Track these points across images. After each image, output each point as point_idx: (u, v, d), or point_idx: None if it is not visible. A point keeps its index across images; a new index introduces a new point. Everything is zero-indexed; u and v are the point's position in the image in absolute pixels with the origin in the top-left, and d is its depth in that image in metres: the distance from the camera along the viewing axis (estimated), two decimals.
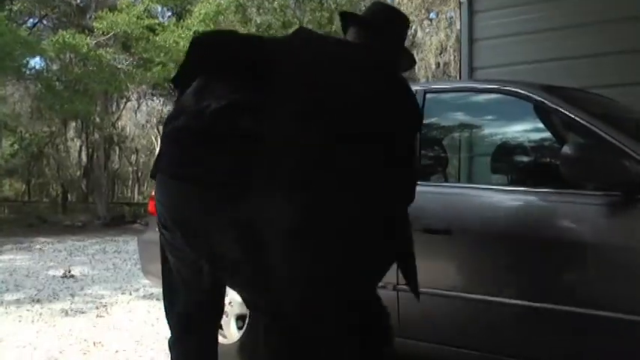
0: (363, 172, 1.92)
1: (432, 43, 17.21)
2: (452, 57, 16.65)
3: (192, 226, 1.99)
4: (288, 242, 1.88)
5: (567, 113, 2.69)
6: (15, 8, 14.56)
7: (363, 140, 1.91)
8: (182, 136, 2.00)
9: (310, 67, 2.01)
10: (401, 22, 2.36)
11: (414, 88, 3.23)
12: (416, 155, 2.54)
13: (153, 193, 4.25)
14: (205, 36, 2.68)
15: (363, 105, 1.95)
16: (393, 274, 2.89)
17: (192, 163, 1.94)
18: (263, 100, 1.93)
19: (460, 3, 5.90)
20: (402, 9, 17.82)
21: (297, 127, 1.90)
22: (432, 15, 18.12)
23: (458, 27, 14.35)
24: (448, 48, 16.75)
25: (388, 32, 2.27)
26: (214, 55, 2.07)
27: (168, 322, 2.38)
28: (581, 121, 2.64)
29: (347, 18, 2.34)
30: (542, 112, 2.91)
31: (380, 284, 2.88)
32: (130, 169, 32.61)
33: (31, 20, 17.31)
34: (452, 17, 16.66)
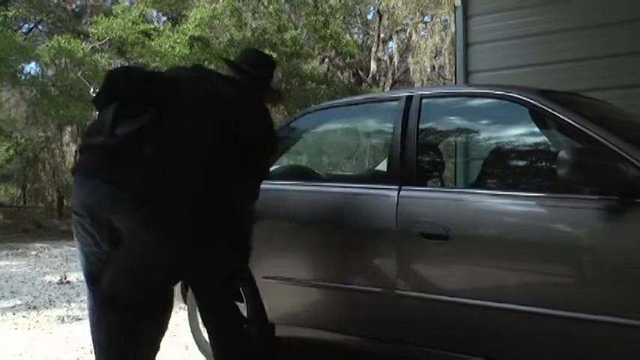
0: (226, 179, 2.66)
1: (427, 46, 17.22)
2: (447, 60, 16.67)
3: (96, 210, 2.66)
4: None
5: (563, 117, 2.70)
6: (10, 14, 14.51)
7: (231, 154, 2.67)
8: (99, 150, 2.69)
9: (198, 102, 2.68)
10: (265, 65, 3.03)
11: (410, 93, 3.26)
12: (268, 165, 3.14)
13: None
14: (116, 71, 3.35)
15: (235, 126, 2.70)
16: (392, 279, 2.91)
17: (105, 169, 2.63)
18: (161, 129, 2.62)
19: (455, 7, 5.92)
20: (397, 13, 17.88)
21: (184, 150, 2.63)
22: (427, 18, 18.16)
23: (453, 30, 14.37)
24: (443, 51, 16.76)
25: (255, 73, 2.93)
26: (122, 88, 2.72)
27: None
28: (576, 125, 2.65)
29: (228, 63, 3.07)
30: (538, 117, 2.92)
31: (380, 289, 2.91)
32: None
33: (26, 26, 17.28)
34: (446, 20, 16.68)
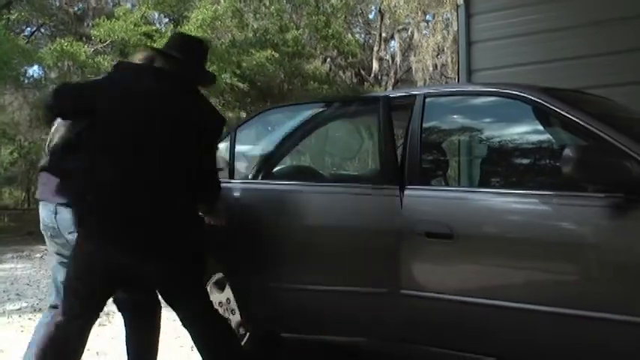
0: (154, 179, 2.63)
1: (429, 44, 17.22)
2: (449, 58, 16.67)
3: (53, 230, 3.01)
4: None
5: (567, 115, 2.70)
6: (12, 17, 14.54)
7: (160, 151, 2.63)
8: (43, 169, 3.04)
9: (116, 103, 2.67)
10: (194, 48, 2.93)
11: (414, 92, 3.27)
12: (214, 153, 2.93)
13: None
14: (52, 91, 3.41)
15: (160, 116, 2.64)
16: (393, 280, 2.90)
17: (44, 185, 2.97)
18: (81, 140, 2.74)
19: (457, 5, 5.92)
20: (398, 12, 17.87)
21: (105, 150, 2.67)
22: (429, 17, 18.15)
23: (454, 28, 14.36)
24: (445, 49, 16.76)
25: (184, 58, 2.80)
26: (57, 106, 2.85)
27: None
28: (580, 122, 2.64)
29: (155, 51, 2.95)
30: (542, 115, 2.92)
31: (381, 290, 2.90)
32: None
33: (29, 29, 17.32)
34: (448, 19, 16.68)
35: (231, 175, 3.60)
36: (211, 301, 2.95)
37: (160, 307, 3.12)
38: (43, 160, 3.06)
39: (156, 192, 2.62)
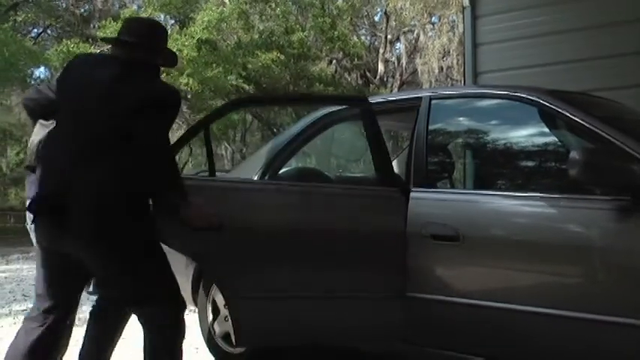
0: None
1: (435, 47, 17.22)
2: (455, 61, 16.66)
3: None
4: None
5: (574, 118, 2.69)
6: (19, 19, 14.62)
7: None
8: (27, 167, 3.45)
9: (66, 96, 2.68)
10: (143, 30, 2.77)
11: (419, 94, 3.26)
12: (156, 132, 2.60)
13: None
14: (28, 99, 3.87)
15: (106, 112, 2.52)
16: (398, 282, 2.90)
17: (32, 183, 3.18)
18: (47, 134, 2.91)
19: (463, 7, 5.92)
20: (404, 14, 17.88)
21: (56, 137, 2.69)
22: (434, 19, 18.16)
23: (460, 30, 14.36)
24: (451, 52, 16.75)
25: (137, 42, 2.70)
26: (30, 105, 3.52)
27: None
28: (587, 125, 2.64)
29: (106, 40, 3.21)
30: (548, 117, 2.92)
31: (386, 293, 2.89)
32: None
33: (35, 30, 17.40)
34: (454, 21, 16.67)
35: (212, 172, 3.23)
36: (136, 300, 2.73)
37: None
38: (27, 160, 3.23)
39: (82, 174, 2.49)
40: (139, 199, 2.60)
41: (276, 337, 3.02)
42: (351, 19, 19.67)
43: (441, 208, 2.92)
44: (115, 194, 2.50)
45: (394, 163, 3.87)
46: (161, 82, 2.74)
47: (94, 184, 2.47)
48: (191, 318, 5.10)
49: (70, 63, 2.81)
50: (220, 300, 3.60)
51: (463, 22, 6.06)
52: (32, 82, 15.73)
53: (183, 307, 2.79)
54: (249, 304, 2.91)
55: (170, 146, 2.74)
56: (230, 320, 3.04)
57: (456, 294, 2.78)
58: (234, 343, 3.31)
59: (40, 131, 3.63)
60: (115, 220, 2.50)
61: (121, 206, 2.52)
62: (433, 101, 3.16)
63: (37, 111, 3.68)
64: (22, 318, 5.18)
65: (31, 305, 5.75)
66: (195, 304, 3.83)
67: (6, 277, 7.82)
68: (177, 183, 2.63)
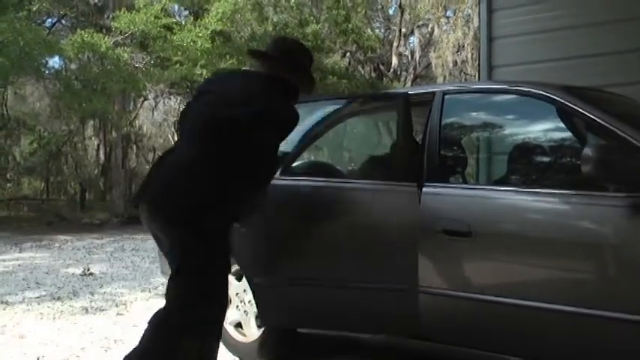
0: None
1: (449, 40, 17.15)
2: (469, 55, 16.59)
3: None
4: None
5: (586, 113, 2.68)
6: (34, 8, 14.64)
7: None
8: None
9: (213, 98, 2.85)
10: (287, 49, 2.98)
11: (434, 89, 3.26)
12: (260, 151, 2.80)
13: None
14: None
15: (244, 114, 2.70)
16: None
17: None
18: None
19: (479, 1, 5.88)
20: (419, 7, 17.81)
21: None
22: (449, 13, 18.06)
23: (475, 25, 14.27)
24: (465, 46, 16.67)
25: (285, 61, 2.91)
26: None
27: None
28: (600, 121, 2.62)
29: (251, 54, 3.29)
30: (562, 113, 2.90)
31: (399, 286, 2.90)
32: (147, 167, 32.79)
33: (50, 20, 17.45)
34: (469, 15, 16.58)
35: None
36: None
37: None
38: None
39: (180, 159, 2.74)
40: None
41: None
42: (366, 12, 19.59)
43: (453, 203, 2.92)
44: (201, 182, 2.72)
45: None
46: (288, 102, 2.87)
47: (189, 172, 2.72)
48: None
49: (213, 74, 3.09)
50: (232, 289, 3.63)
51: (478, 16, 6.02)
52: (46, 72, 15.81)
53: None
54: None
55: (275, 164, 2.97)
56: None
57: (472, 290, 2.78)
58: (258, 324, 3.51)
59: None
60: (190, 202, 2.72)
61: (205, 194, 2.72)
62: (446, 96, 3.15)
63: None
64: (35, 305, 5.29)
65: (44, 293, 5.85)
66: None
67: (19, 265, 7.89)
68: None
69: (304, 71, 2.99)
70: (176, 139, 3.28)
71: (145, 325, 2.75)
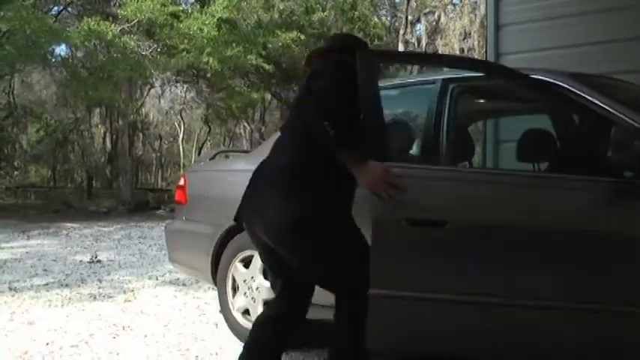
0: None
1: (456, 28, 17.08)
2: (476, 42, 16.51)
3: None
4: None
5: (595, 101, 2.66)
6: None
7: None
8: None
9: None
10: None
11: (439, 77, 3.22)
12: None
13: (180, 182, 4.29)
14: None
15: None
16: None
17: None
18: None
19: None
20: None
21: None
22: (456, 0, 17.98)
23: (482, 12, 14.20)
24: (472, 33, 16.60)
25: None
26: None
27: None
28: (609, 108, 2.60)
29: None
30: (569, 101, 2.88)
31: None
32: (154, 155, 32.89)
33: (56, 8, 17.43)
34: (476, 2, 16.50)
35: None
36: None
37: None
38: None
39: (278, 158, 2.62)
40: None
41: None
42: None
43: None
44: (302, 175, 2.56)
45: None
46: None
47: (287, 167, 2.61)
48: (209, 294, 5.18)
49: None
50: (239, 276, 3.65)
51: (486, 3, 5.99)
52: (53, 60, 15.84)
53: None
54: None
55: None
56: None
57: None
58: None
59: None
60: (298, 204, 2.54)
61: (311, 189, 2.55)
62: (452, 84, 3.13)
63: None
64: (43, 292, 5.32)
65: (52, 280, 5.89)
66: (215, 283, 3.87)
67: (27, 252, 7.94)
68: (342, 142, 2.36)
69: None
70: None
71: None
